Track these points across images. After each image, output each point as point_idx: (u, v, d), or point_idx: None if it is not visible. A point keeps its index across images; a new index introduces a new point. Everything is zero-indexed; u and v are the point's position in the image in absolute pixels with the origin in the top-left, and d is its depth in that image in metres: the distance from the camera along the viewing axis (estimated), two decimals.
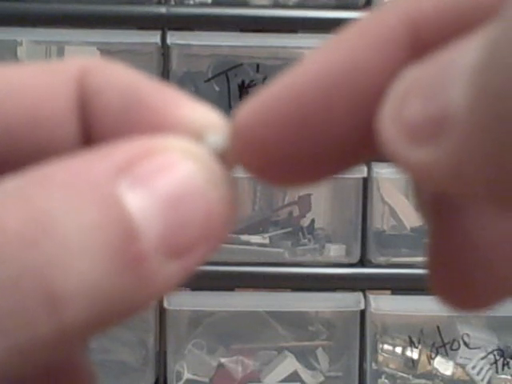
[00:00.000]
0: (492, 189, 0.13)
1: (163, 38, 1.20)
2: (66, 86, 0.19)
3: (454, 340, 1.28)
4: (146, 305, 0.16)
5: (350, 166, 0.18)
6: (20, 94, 0.18)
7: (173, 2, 1.23)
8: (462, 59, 0.14)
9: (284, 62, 1.31)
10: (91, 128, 0.19)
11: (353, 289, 1.25)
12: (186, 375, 1.27)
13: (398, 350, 1.29)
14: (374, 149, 0.17)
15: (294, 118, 0.17)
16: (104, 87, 0.19)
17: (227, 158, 0.18)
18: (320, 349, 1.31)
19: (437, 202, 0.18)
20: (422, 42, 0.16)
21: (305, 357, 1.30)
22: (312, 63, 0.17)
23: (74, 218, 0.15)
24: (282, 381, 1.27)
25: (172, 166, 0.17)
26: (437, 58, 0.15)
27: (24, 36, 1.24)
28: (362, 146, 0.17)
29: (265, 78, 1.23)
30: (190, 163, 0.17)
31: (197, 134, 0.18)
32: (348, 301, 1.25)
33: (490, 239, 0.18)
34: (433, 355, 1.28)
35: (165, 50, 1.22)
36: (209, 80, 1.25)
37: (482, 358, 1.28)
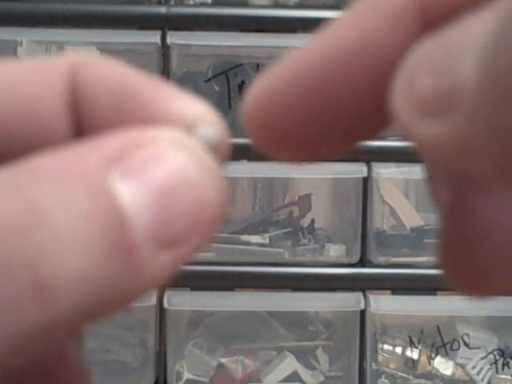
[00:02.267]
0: (499, 167, 0.13)
1: (163, 38, 1.20)
2: (57, 81, 0.19)
3: (454, 340, 1.28)
4: (137, 296, 0.16)
5: (362, 139, 0.18)
6: (11, 90, 0.18)
7: (173, 2, 1.23)
8: (472, 33, 0.14)
9: None
10: (83, 123, 0.19)
11: (353, 289, 1.25)
12: (186, 375, 1.27)
13: (398, 350, 1.29)
14: (385, 123, 0.17)
15: (306, 94, 0.17)
16: (95, 82, 0.19)
17: (218, 150, 0.18)
18: (320, 349, 1.31)
19: (450, 184, 0.18)
20: (433, 15, 0.16)
21: (305, 357, 1.30)
22: (324, 39, 0.17)
23: (64, 207, 0.15)
24: (282, 381, 1.27)
25: (163, 156, 0.17)
26: (448, 31, 0.15)
27: (24, 36, 1.24)
28: (374, 120, 0.17)
29: None
30: (182, 154, 0.17)
31: (188, 127, 0.18)
32: (348, 301, 1.25)
33: (502, 223, 0.18)
34: (433, 355, 1.28)
35: (165, 50, 1.22)
36: (209, 80, 1.25)
37: (482, 358, 1.28)
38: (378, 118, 0.17)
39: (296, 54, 0.17)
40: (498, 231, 0.18)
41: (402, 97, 0.15)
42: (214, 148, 0.18)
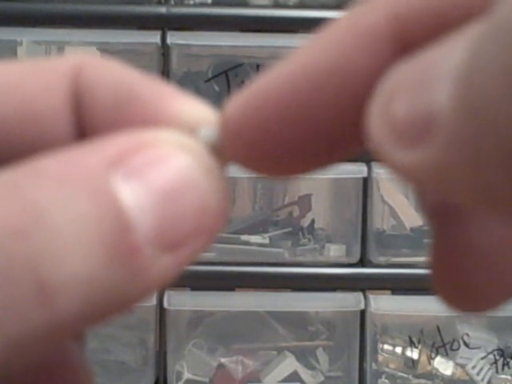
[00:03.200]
0: (478, 194, 0.13)
1: (163, 38, 1.20)
2: (59, 82, 0.19)
3: (454, 340, 1.28)
4: (140, 298, 0.16)
5: (340, 158, 0.18)
6: (13, 91, 0.18)
7: (173, 2, 1.23)
8: (447, 59, 0.14)
9: None
10: (85, 124, 0.19)
11: (353, 289, 1.25)
12: (186, 375, 1.27)
13: (398, 350, 1.29)
14: (363, 143, 0.17)
15: (283, 112, 0.17)
16: (97, 83, 0.19)
17: (220, 151, 0.18)
18: (320, 349, 1.31)
19: (439, 203, 0.18)
20: (410, 38, 0.16)
21: (305, 357, 1.30)
22: (300, 58, 0.17)
23: (66, 209, 0.15)
24: (282, 381, 1.27)
25: (166, 158, 0.17)
26: (423, 56, 0.15)
27: (24, 36, 1.24)
28: (351, 140, 0.17)
29: None
30: (184, 156, 0.17)
31: (189, 128, 0.18)
32: (348, 301, 1.25)
33: (492, 242, 0.18)
34: (433, 355, 1.28)
35: (165, 50, 1.22)
36: (209, 80, 1.25)
37: (482, 358, 1.28)
38: (357, 137, 0.17)
39: (274, 73, 0.17)
40: (489, 250, 0.18)
41: (377, 122, 0.15)
42: (216, 150, 0.18)
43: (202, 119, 0.18)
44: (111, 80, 0.19)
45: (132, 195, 0.16)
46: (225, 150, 0.18)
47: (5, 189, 0.15)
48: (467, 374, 1.28)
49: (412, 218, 1.32)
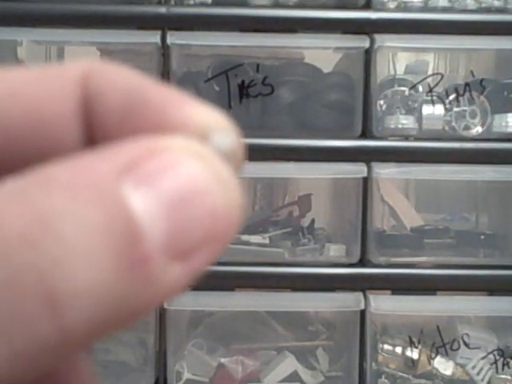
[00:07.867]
0: None
1: (163, 38, 1.20)
2: (68, 88, 0.19)
3: (454, 340, 1.28)
4: (151, 308, 0.16)
5: None
6: (23, 98, 0.18)
7: (173, 2, 1.23)
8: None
9: (284, 61, 1.31)
10: (95, 130, 0.19)
11: (353, 289, 1.25)
12: (186, 375, 1.27)
13: (398, 349, 1.29)
14: None
15: None
16: (107, 89, 0.18)
17: (232, 157, 0.18)
18: (320, 349, 1.31)
19: None
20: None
21: (305, 357, 1.30)
22: None
23: (75, 218, 0.15)
24: (282, 381, 1.27)
25: (177, 165, 0.16)
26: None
27: (24, 36, 1.24)
28: None
29: (265, 78, 1.23)
30: (196, 163, 0.16)
31: (202, 135, 0.18)
32: (348, 301, 1.25)
33: None
34: (433, 355, 1.28)
35: (165, 50, 1.22)
36: (209, 80, 1.24)
37: (482, 358, 1.28)
38: None
39: None
40: None
41: None
42: (228, 156, 0.18)
43: (214, 125, 0.18)
44: (121, 86, 0.18)
45: (143, 203, 0.16)
46: (237, 156, 0.18)
47: (14, 197, 0.15)
48: (467, 374, 1.28)
49: (412, 217, 1.32)
